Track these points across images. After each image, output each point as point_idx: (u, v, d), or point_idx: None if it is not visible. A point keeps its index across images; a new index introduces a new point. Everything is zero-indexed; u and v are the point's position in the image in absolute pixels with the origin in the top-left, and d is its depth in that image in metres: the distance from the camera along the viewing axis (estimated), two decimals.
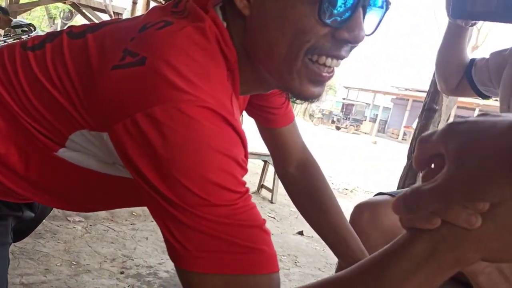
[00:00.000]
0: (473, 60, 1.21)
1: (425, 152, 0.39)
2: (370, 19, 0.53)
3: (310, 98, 0.55)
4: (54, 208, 0.76)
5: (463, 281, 0.99)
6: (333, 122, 24.41)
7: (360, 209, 1.02)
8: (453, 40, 1.16)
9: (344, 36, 0.50)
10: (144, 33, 0.49)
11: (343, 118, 24.83)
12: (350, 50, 0.54)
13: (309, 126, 20.55)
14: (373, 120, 25.48)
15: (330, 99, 27.96)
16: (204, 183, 0.41)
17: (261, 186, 4.22)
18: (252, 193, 4.22)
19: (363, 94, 29.40)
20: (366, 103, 27.28)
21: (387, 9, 0.54)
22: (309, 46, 0.51)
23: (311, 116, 25.24)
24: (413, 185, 0.38)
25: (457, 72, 1.20)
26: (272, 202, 3.90)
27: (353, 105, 26.68)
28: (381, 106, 26.09)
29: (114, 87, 0.45)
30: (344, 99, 28.95)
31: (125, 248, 2.21)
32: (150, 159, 0.42)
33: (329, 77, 0.55)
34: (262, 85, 0.60)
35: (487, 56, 1.20)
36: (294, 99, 0.57)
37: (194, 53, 0.46)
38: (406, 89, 22.76)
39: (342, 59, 0.54)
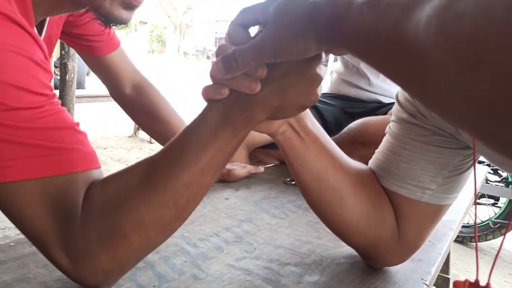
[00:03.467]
0: None
1: (245, 19, 0.42)
2: None
3: (118, 21, 0.54)
4: None
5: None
6: (208, 57, 24.20)
7: None
8: None
9: None
10: None
11: None
12: None
13: (184, 64, 20.02)
14: None
15: (202, 34, 27.38)
16: None
17: (137, 128, 4.10)
18: (129, 136, 4.08)
19: None
20: None
21: None
22: None
23: (185, 54, 24.57)
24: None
25: None
26: (151, 143, 3.84)
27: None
28: None
29: None
30: (216, 33, 28.61)
31: None
32: None
33: (141, 2, 0.54)
34: (67, 2, 0.54)
35: None
36: (106, 22, 0.54)
37: None
38: None
39: None
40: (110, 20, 0.54)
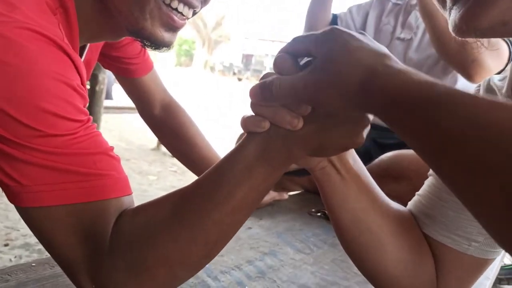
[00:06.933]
0: (335, 14, 1.34)
1: (295, 49, 0.40)
2: None
3: (161, 43, 0.53)
4: None
5: (312, 190, 1.10)
6: (234, 73, 24.49)
7: None
8: None
9: None
10: None
11: (244, 69, 25.08)
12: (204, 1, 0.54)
13: (210, 79, 20.35)
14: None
15: (229, 50, 27.86)
16: (34, 112, 0.37)
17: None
18: (152, 149, 4.11)
19: (262, 44, 29.73)
20: (266, 54, 27.73)
21: None
22: None
23: (211, 69, 25.00)
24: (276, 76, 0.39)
25: (323, 24, 1.32)
26: (173, 156, 3.86)
27: (252, 55, 26.97)
28: None
29: None
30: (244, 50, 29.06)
31: (8, 219, 2.02)
32: None
33: (182, 25, 0.54)
34: (109, 30, 0.55)
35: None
36: (149, 44, 0.54)
37: None
38: None
39: (194, 7, 0.53)
40: (152, 43, 0.53)
